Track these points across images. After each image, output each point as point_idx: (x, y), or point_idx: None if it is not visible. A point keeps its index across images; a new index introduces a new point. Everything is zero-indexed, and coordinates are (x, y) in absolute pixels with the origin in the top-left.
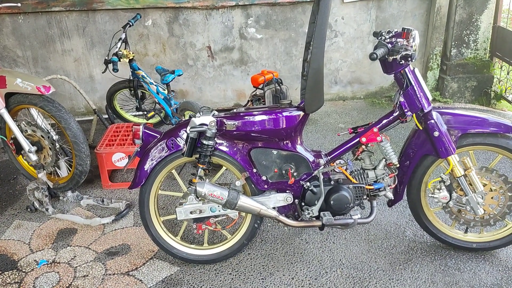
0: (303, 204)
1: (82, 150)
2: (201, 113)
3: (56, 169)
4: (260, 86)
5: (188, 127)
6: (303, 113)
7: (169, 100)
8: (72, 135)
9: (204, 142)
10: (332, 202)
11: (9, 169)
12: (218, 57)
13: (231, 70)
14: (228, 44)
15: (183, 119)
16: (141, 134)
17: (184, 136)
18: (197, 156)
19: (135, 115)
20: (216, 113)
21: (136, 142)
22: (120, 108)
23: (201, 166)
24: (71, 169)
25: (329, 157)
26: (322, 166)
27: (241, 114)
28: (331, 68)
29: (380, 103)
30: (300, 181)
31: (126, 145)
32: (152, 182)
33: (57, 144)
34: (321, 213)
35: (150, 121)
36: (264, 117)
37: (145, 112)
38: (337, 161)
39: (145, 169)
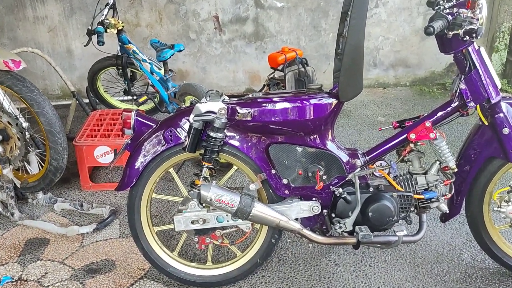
0: (333, 215)
1: (58, 141)
2: (208, 98)
3: (25, 164)
4: (280, 67)
5: (192, 115)
6: (336, 101)
7: (165, 82)
8: (47, 122)
9: (211, 134)
10: (370, 214)
11: None
12: (227, 30)
13: (243, 47)
14: (240, 13)
15: (183, 106)
16: (132, 122)
17: (186, 126)
18: (202, 151)
19: (122, 100)
20: (227, 98)
21: (126, 132)
22: (105, 91)
23: (206, 164)
24: (43, 165)
25: (367, 158)
26: (359, 169)
27: (259, 100)
28: (369, 47)
29: (430, 92)
30: (331, 187)
31: (112, 136)
32: (145, 183)
33: (27, 133)
34: (356, 227)
35: (142, 107)
36: (287, 104)
37: (136, 97)
38: (378, 163)
39: (136, 167)
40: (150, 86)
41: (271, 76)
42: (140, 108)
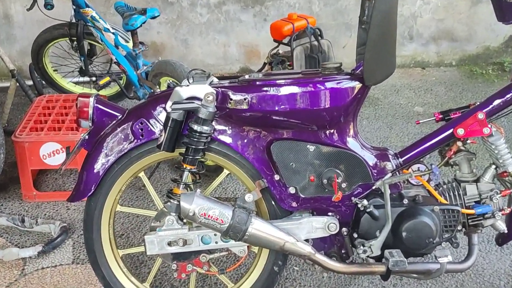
0: (355, 235)
1: None
2: (191, 80)
3: None
4: (286, 40)
5: (169, 103)
6: (360, 85)
7: (135, 59)
8: None
9: (195, 127)
10: (404, 234)
11: None
12: None
13: (238, 13)
14: None
15: (158, 90)
16: (91, 111)
17: (162, 117)
18: (183, 151)
19: (77, 82)
20: (216, 80)
21: (82, 124)
22: (54, 70)
23: (188, 167)
24: None
25: (400, 160)
26: (390, 174)
27: (258, 83)
28: (404, 14)
29: (484, 73)
30: (352, 198)
31: (64, 129)
32: (107, 192)
33: None
34: (386, 251)
35: (103, 92)
36: (295, 89)
37: (95, 78)
38: (415, 167)
39: (96, 170)
40: (114, 64)
41: (274, 51)
42: (101, 92)
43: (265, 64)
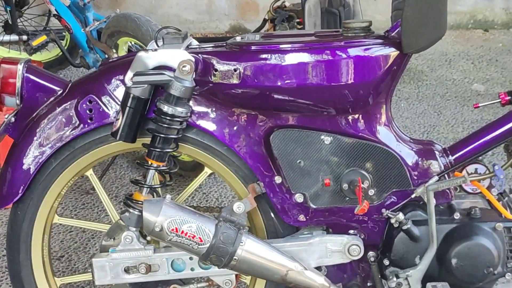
0: (387, 262)
1: None
2: (161, 42)
3: None
4: None
5: (129, 74)
6: (396, 53)
7: (82, 11)
8: None
9: (165, 109)
10: (454, 261)
11: None
12: None
13: None
14: None
15: (115, 56)
16: (19, 83)
17: (120, 93)
18: (148, 141)
19: (1, 42)
20: (195, 43)
21: (6, 102)
22: None
23: (155, 164)
24: None
25: (451, 158)
26: (436, 178)
27: (253, 48)
28: None
29: None
30: (383, 210)
31: None
32: (40, 197)
33: None
34: (429, 285)
35: (37, 57)
36: (306, 56)
37: (26, 37)
38: (471, 168)
39: (25, 167)
40: (53, 18)
41: (278, 4)
42: (34, 57)
43: (265, 21)
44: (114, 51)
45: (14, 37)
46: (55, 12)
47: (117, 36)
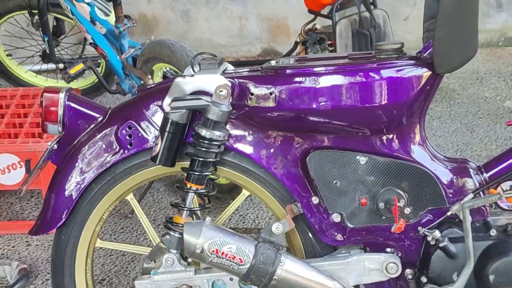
0: (424, 279)
1: None
2: (197, 68)
3: None
4: (326, 11)
5: (167, 100)
6: (429, 73)
7: (118, 39)
8: None
9: (203, 133)
10: (492, 277)
11: None
12: None
13: None
14: None
15: (151, 82)
16: (61, 111)
17: (158, 118)
18: (187, 165)
19: (39, 71)
20: (231, 68)
21: (49, 130)
22: (8, 55)
23: (194, 187)
24: None
25: (486, 175)
26: (471, 195)
27: (288, 72)
28: None
29: None
30: (420, 228)
31: (22, 136)
32: (83, 222)
33: None
34: None
35: (74, 84)
36: (340, 79)
37: (63, 65)
38: (506, 185)
39: (68, 193)
40: (89, 45)
41: (310, 27)
42: (71, 85)
43: (296, 44)
44: (150, 77)
45: (52, 66)
46: (91, 41)
47: (152, 62)
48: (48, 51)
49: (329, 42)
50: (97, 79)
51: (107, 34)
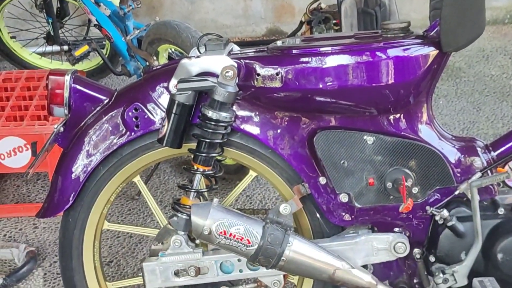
0: (432, 259)
1: None
2: (203, 49)
3: None
4: None
5: (173, 81)
6: (436, 52)
7: (123, 20)
8: None
9: (210, 114)
10: (500, 255)
11: None
12: None
13: None
14: None
15: (156, 63)
16: (66, 94)
17: (164, 100)
18: (193, 146)
19: (43, 53)
20: (237, 48)
21: (55, 112)
22: (12, 38)
23: (201, 168)
24: None
25: (493, 154)
26: (479, 174)
27: (294, 52)
28: None
29: None
30: (428, 207)
31: (28, 119)
32: (90, 205)
33: None
34: (475, 280)
35: (79, 66)
36: (346, 59)
37: (67, 47)
38: None
39: (75, 175)
40: (94, 26)
41: (314, 6)
42: (76, 67)
43: (301, 23)
44: (155, 58)
45: (56, 48)
46: (96, 22)
47: (158, 44)
48: (52, 33)
49: (334, 21)
50: (102, 61)
51: (111, 16)
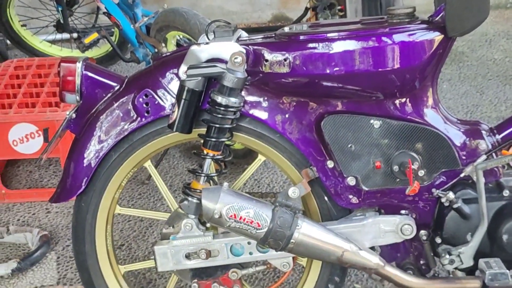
0: (439, 240)
1: None
2: (212, 36)
3: None
4: None
5: (183, 67)
6: (441, 36)
7: (131, 7)
8: None
9: (219, 99)
10: (505, 237)
11: None
12: None
13: None
14: None
15: (164, 50)
16: (78, 81)
17: (174, 86)
18: (203, 131)
19: (53, 41)
20: (245, 35)
21: (67, 99)
22: (22, 26)
23: (211, 153)
24: None
25: (498, 137)
26: (484, 157)
27: (301, 38)
28: None
29: None
30: (434, 190)
31: (40, 106)
32: (102, 190)
33: None
34: (481, 261)
35: (89, 53)
36: (352, 44)
37: (77, 35)
38: None
39: (87, 161)
40: (103, 15)
41: None
42: (86, 54)
43: (307, 9)
44: (164, 45)
45: (66, 36)
46: (105, 10)
47: (166, 31)
48: (62, 21)
49: (339, 7)
50: (111, 48)
51: (120, 3)
